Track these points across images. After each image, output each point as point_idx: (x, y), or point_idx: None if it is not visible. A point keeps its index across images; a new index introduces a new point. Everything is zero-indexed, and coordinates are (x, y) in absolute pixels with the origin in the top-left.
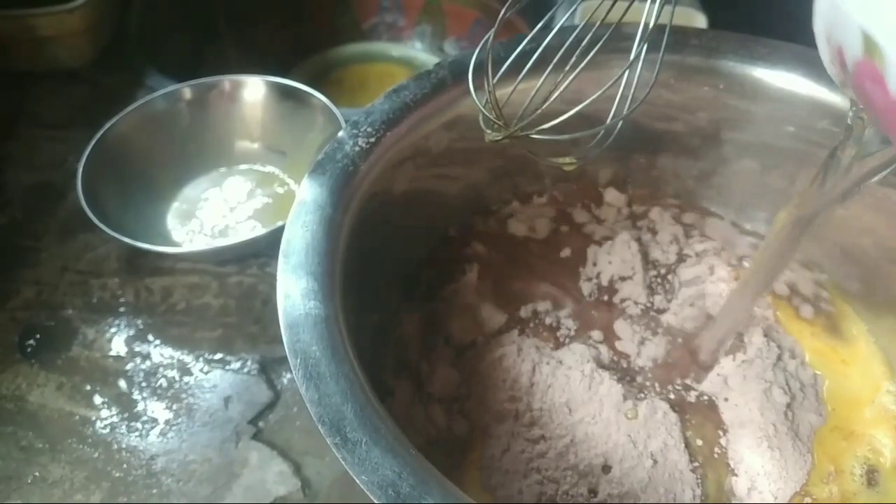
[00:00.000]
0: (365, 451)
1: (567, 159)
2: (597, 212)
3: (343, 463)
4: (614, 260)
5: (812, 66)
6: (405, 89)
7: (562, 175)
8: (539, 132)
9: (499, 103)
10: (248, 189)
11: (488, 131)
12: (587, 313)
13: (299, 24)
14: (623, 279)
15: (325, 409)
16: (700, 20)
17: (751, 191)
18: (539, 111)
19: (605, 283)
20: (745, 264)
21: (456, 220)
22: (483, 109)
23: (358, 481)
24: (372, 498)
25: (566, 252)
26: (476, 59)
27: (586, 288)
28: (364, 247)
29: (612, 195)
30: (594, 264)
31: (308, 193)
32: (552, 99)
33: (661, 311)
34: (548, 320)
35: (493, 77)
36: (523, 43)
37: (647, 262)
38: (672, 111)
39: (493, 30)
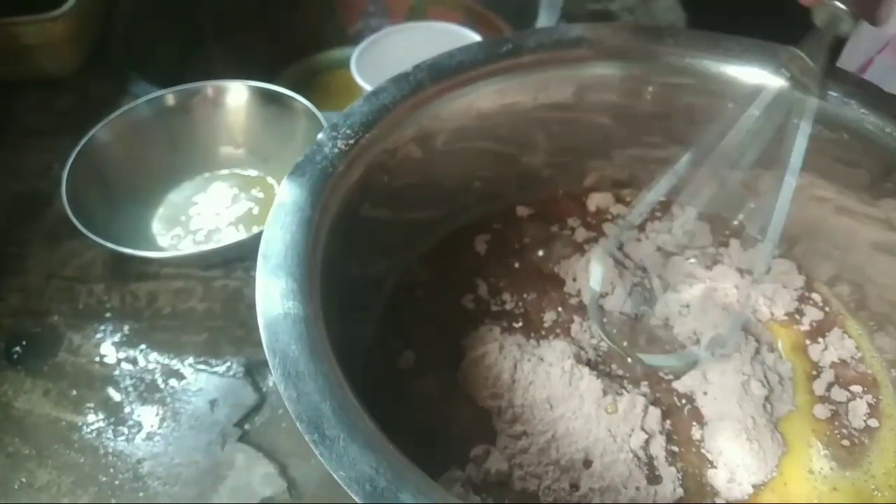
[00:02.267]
0: (343, 448)
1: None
2: (580, 220)
3: (321, 459)
4: (593, 276)
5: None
6: (384, 91)
7: (544, 182)
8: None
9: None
10: (233, 194)
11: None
12: (571, 314)
13: (284, 30)
14: (604, 296)
15: (303, 406)
16: (678, 14)
17: (728, 188)
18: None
19: (586, 301)
20: (726, 264)
21: (436, 224)
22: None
23: (336, 477)
24: (349, 493)
25: (548, 264)
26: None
27: (571, 301)
28: (345, 248)
29: (595, 201)
30: (574, 280)
31: (287, 195)
32: None
33: (645, 317)
34: (531, 317)
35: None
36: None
37: (627, 269)
38: (645, 110)
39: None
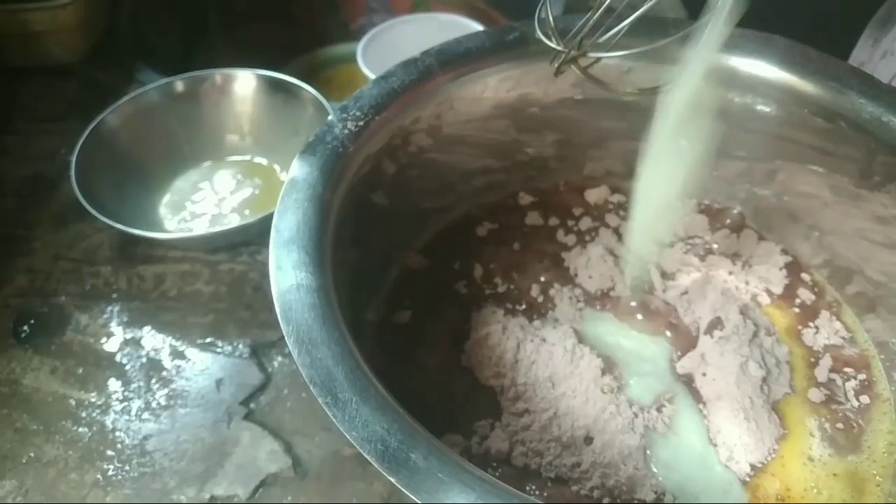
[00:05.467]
0: (355, 410)
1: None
2: (583, 209)
3: (334, 420)
4: (594, 274)
5: (787, 55)
6: (393, 76)
7: (548, 172)
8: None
9: (554, 25)
10: (239, 180)
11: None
12: (575, 302)
13: (288, 25)
14: (605, 291)
15: (316, 371)
16: (678, 11)
17: (726, 178)
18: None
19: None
20: (717, 253)
21: (441, 210)
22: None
23: (349, 437)
24: (362, 452)
25: (551, 252)
26: None
27: (575, 290)
28: (352, 228)
29: (592, 196)
30: (575, 275)
31: (299, 172)
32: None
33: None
34: (536, 298)
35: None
36: None
37: (628, 262)
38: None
39: None
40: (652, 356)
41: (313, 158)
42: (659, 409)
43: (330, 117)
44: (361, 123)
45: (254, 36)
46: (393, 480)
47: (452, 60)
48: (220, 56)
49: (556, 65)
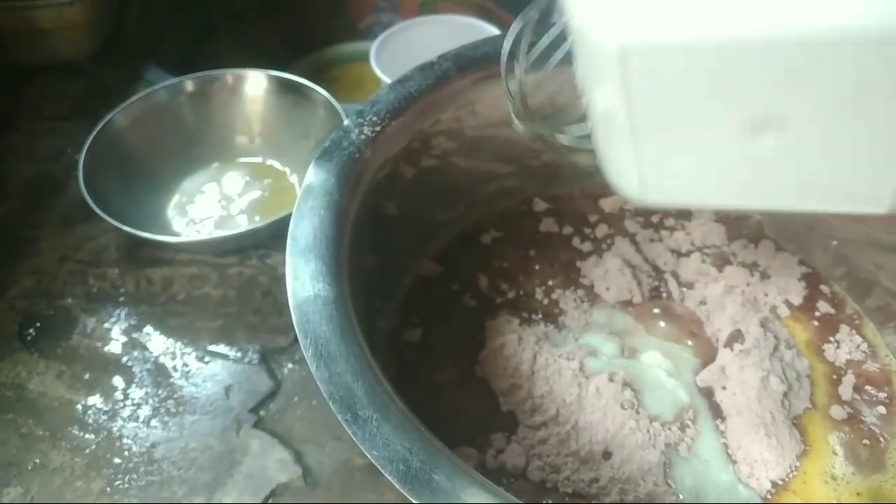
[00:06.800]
0: (375, 428)
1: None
2: (599, 216)
3: (354, 438)
4: (612, 286)
5: None
6: (409, 80)
7: (562, 179)
8: (561, 130)
9: (526, 97)
10: (248, 182)
11: (516, 121)
12: (591, 310)
13: (295, 24)
14: (624, 303)
15: (335, 386)
16: None
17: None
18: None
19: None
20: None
21: (456, 218)
22: (511, 99)
23: (369, 456)
24: (384, 473)
25: (566, 260)
26: (508, 46)
27: (590, 297)
28: (372, 234)
29: (607, 206)
30: (592, 286)
31: (315, 179)
32: None
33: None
34: (549, 310)
35: (525, 65)
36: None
37: (643, 272)
38: None
39: (522, 16)
40: (674, 368)
41: (329, 164)
42: (682, 429)
43: (346, 122)
44: (378, 129)
45: (260, 34)
46: (415, 502)
47: (470, 64)
48: (227, 54)
49: (521, 131)
